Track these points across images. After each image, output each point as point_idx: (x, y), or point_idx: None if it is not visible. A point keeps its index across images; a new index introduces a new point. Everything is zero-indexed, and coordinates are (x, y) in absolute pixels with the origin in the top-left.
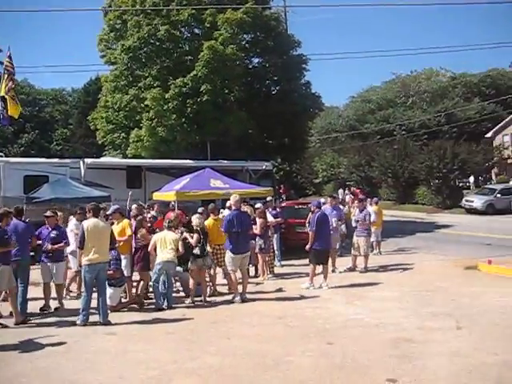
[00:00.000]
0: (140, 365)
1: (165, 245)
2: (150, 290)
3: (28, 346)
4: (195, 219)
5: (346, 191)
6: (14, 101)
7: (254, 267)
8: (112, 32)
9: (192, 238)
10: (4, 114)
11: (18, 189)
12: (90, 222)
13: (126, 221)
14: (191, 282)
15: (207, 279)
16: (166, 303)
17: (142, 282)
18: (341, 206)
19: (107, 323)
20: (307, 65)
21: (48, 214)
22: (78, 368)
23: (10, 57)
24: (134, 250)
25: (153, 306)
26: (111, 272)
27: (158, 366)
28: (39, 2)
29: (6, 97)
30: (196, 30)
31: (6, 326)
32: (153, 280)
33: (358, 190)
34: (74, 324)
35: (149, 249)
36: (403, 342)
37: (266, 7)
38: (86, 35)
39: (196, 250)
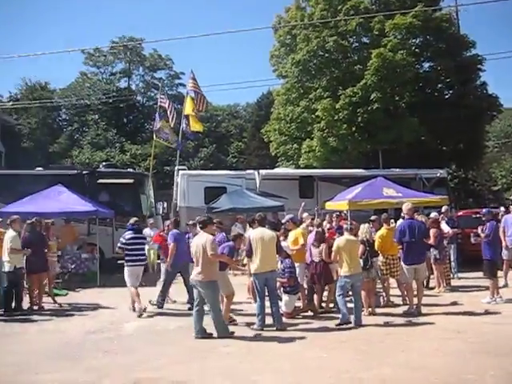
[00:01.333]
0: (316, 371)
1: (353, 255)
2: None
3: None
4: (361, 229)
5: None
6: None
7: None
8: (282, 47)
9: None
10: (188, 129)
11: (200, 199)
12: (256, 232)
13: (298, 230)
14: (363, 293)
15: (381, 290)
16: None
17: (326, 292)
18: None
19: (283, 329)
20: (483, 65)
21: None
22: (259, 369)
23: (193, 78)
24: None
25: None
26: (285, 280)
27: (334, 374)
28: (203, 27)
29: (192, 114)
30: (364, 39)
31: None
32: (338, 293)
33: None
34: (252, 329)
35: (332, 258)
36: None
37: (436, 9)
38: (256, 52)
39: (360, 262)
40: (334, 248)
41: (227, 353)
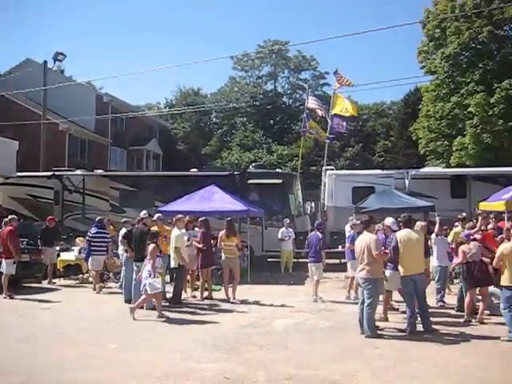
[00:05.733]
0: (470, 381)
1: None
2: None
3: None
4: None
5: None
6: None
7: None
8: (431, 42)
9: None
10: (339, 128)
11: (347, 199)
12: (402, 233)
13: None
14: None
15: None
16: None
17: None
18: None
19: (430, 331)
20: None
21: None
22: (406, 373)
23: (339, 77)
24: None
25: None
26: None
27: None
28: (347, 25)
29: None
30: None
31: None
32: (504, 307)
33: None
34: (402, 331)
35: (494, 264)
36: None
37: None
38: (401, 48)
39: None
40: (497, 254)
41: (379, 355)
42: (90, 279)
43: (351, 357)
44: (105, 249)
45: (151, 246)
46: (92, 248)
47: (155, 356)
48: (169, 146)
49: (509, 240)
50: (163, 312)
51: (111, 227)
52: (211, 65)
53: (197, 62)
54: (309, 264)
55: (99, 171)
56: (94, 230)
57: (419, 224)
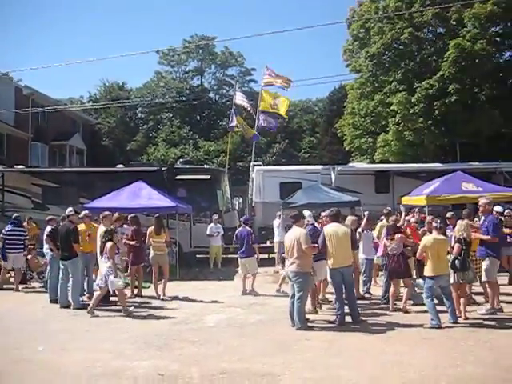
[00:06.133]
0: (399, 367)
1: (441, 255)
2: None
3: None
4: (458, 226)
5: None
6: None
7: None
8: (356, 41)
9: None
10: (265, 124)
11: (275, 195)
12: (330, 227)
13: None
14: (454, 295)
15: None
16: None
17: (406, 290)
18: None
19: (359, 321)
20: None
21: None
22: (342, 363)
23: (269, 73)
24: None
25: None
26: None
27: (418, 369)
28: (274, 22)
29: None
30: (440, 30)
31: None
32: (426, 295)
33: None
34: (332, 323)
35: (418, 255)
36: None
37: None
38: (327, 47)
39: (456, 263)
40: (420, 246)
41: (311, 346)
42: (12, 279)
43: (283, 349)
44: (21, 247)
45: (109, 244)
46: (7, 246)
47: (85, 356)
48: (93, 141)
49: (430, 232)
50: (94, 311)
51: (33, 225)
52: (136, 59)
53: (123, 56)
54: (240, 259)
55: (20, 167)
56: (9, 227)
57: (350, 218)
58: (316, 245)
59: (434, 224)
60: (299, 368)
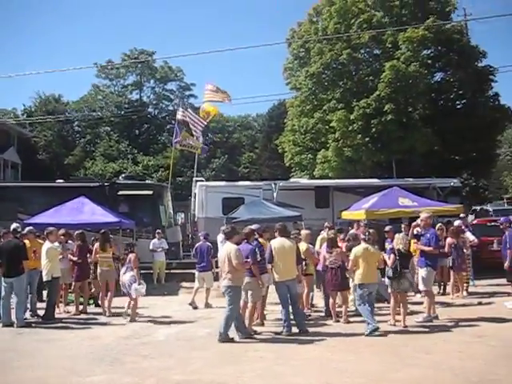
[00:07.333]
0: (344, 373)
1: (370, 264)
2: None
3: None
4: (396, 239)
5: None
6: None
7: (441, 285)
8: (296, 60)
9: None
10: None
11: (218, 210)
12: (277, 241)
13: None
14: (392, 302)
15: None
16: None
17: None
18: None
19: (305, 331)
20: (495, 76)
21: None
22: (291, 372)
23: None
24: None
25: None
26: None
27: (363, 375)
28: (215, 38)
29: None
30: (376, 51)
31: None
32: (358, 303)
33: None
34: (279, 334)
35: (349, 266)
36: None
37: (447, 23)
38: (268, 65)
39: (389, 272)
40: (350, 257)
41: (260, 357)
42: None
43: (234, 360)
44: None
45: (133, 255)
46: None
47: (37, 374)
48: (28, 155)
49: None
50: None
51: None
52: (73, 71)
53: (62, 71)
54: (198, 273)
55: None
56: None
57: (304, 233)
58: (248, 260)
59: (361, 236)
60: (250, 377)
